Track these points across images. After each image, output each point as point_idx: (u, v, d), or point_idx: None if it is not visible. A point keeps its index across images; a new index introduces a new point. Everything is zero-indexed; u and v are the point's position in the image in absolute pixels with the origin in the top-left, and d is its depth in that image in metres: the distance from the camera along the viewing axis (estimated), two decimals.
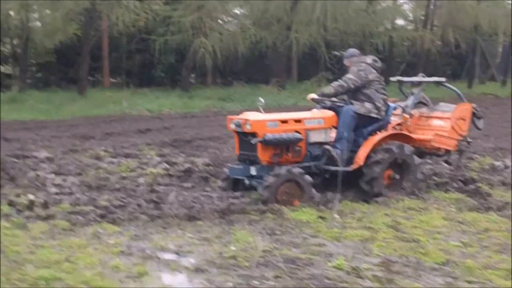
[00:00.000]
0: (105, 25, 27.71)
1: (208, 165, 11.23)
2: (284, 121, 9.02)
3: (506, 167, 11.84)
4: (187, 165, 10.97)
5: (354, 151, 9.24)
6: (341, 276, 6.02)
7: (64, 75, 27.90)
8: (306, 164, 9.05)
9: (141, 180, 10.08)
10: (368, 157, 9.12)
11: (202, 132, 16.28)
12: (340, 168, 9.03)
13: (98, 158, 12.07)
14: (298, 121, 9.11)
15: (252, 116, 9.00)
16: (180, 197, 8.92)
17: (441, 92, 20.27)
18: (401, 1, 35.85)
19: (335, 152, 9.02)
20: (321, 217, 8.00)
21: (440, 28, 34.26)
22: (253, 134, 8.79)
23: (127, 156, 12.38)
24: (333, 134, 9.34)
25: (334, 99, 9.45)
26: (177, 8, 27.31)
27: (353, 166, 9.14)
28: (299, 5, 28.69)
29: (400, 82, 10.88)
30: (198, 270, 6.08)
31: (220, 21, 29.60)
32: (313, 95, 9.65)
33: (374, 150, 9.18)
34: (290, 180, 8.57)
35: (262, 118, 8.96)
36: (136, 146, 13.78)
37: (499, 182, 10.33)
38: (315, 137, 9.13)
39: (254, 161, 8.92)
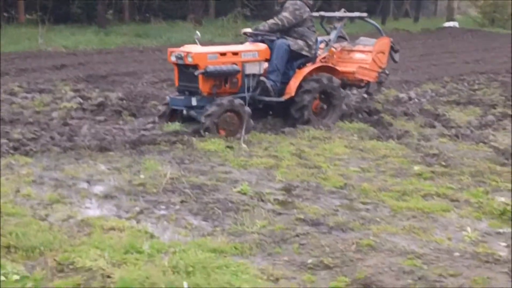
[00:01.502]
0: None
1: (121, 99, 11.33)
2: (223, 54, 9.33)
3: (410, 98, 12.43)
4: (100, 99, 11.02)
5: (284, 82, 9.70)
6: (244, 200, 6.35)
7: None
8: (242, 95, 9.37)
9: (54, 114, 10.13)
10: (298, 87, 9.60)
11: (117, 68, 16.21)
12: (273, 98, 9.52)
13: (12, 93, 11.98)
14: (235, 53, 9.43)
15: (193, 49, 9.22)
16: (92, 129, 9.06)
17: (355, 28, 20.79)
18: None
19: (269, 84, 9.41)
20: (229, 147, 8.31)
21: None
22: (195, 66, 9.04)
23: (41, 91, 12.34)
24: (265, 66, 9.70)
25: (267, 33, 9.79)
26: None
27: (285, 97, 9.61)
28: None
29: (322, 17, 11.27)
30: (107, 196, 6.33)
31: None
32: (248, 29, 10.14)
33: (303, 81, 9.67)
34: (231, 110, 8.90)
35: (204, 51, 9.23)
36: (50, 82, 13.68)
37: (401, 113, 10.87)
38: (250, 69, 9.45)
39: (194, 92, 9.19)
